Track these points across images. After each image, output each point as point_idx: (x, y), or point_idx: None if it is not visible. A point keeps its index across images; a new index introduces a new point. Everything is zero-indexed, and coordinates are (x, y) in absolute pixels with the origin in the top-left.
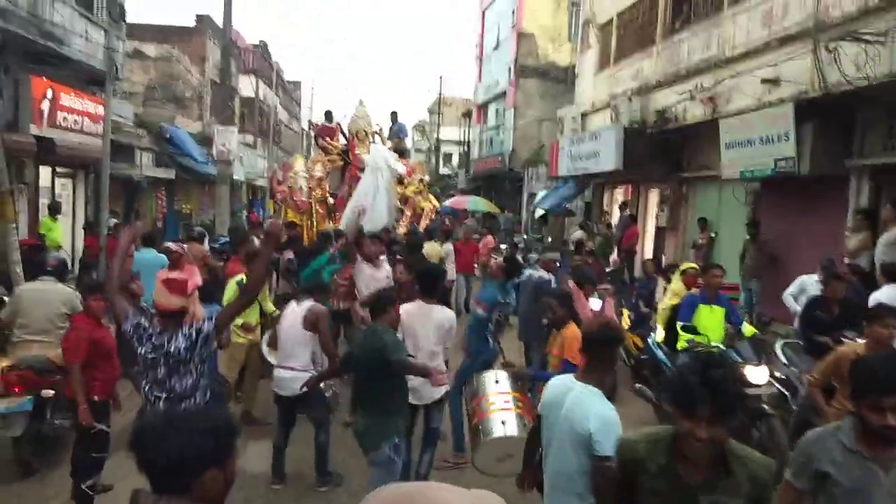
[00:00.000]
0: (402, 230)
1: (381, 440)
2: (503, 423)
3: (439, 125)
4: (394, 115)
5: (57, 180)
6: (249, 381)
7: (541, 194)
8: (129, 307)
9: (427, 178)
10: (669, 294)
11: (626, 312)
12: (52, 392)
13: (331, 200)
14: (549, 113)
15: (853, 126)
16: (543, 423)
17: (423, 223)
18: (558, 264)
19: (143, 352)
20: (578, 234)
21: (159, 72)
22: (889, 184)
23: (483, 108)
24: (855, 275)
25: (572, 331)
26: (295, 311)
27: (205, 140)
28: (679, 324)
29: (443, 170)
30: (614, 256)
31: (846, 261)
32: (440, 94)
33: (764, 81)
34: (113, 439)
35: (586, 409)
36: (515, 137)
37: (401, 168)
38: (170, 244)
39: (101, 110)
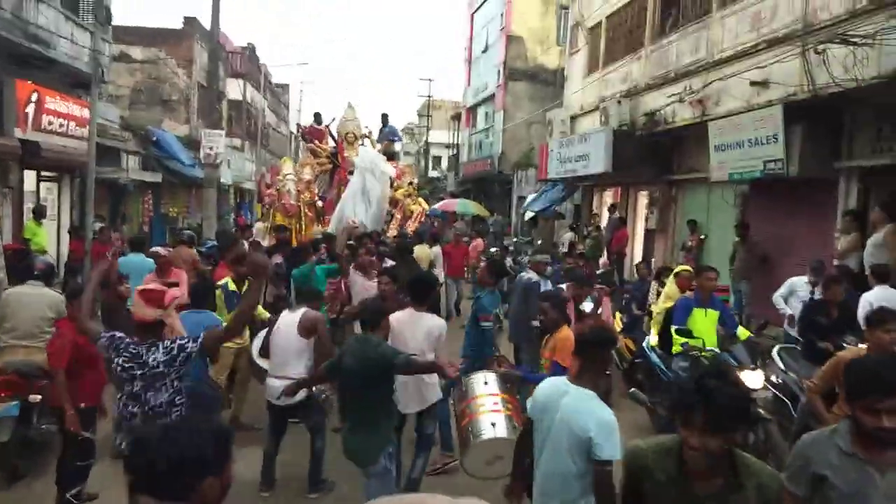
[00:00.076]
0: (392, 233)
1: (378, 454)
2: (493, 424)
3: (428, 128)
4: (384, 117)
5: (42, 184)
6: (239, 388)
7: (530, 197)
8: (100, 329)
9: (416, 180)
10: (663, 297)
11: (618, 315)
12: (39, 397)
13: (320, 203)
14: (538, 116)
15: (842, 128)
16: (535, 427)
17: (413, 226)
18: (549, 267)
19: (118, 362)
20: (569, 235)
21: (146, 75)
22: (877, 186)
23: (472, 110)
24: (844, 276)
25: (564, 333)
26: (288, 320)
27: (192, 143)
28: (673, 327)
29: (432, 173)
30: (604, 259)
31: (835, 262)
32: (429, 97)
33: (753, 84)
34: (98, 447)
35: (585, 412)
36: (504, 140)
37: (390, 170)
38: (158, 249)
39: (86, 113)
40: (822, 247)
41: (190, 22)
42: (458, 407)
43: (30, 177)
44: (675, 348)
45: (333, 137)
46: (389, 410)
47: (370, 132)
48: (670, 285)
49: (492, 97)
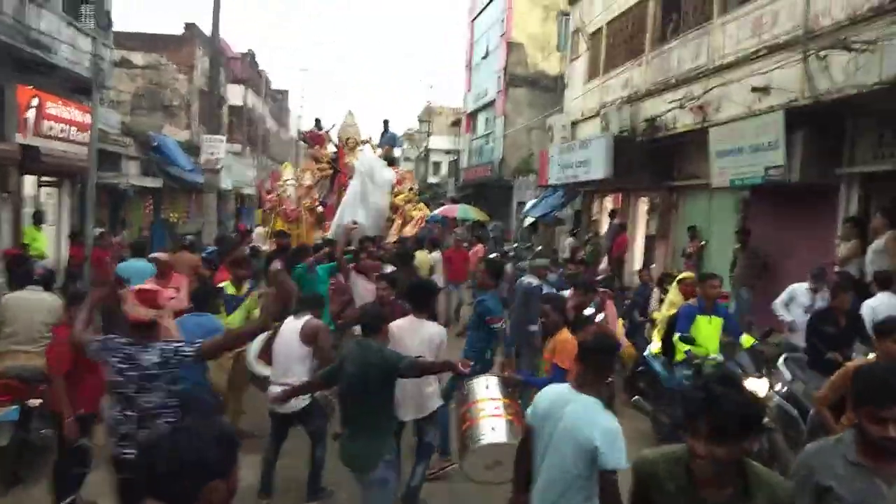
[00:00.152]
0: (392, 238)
1: (378, 460)
2: (493, 429)
3: (429, 134)
4: (386, 123)
5: (42, 189)
6: (234, 394)
7: (530, 203)
8: (93, 339)
9: (417, 186)
10: (667, 305)
11: (620, 321)
12: (38, 401)
13: (320, 209)
14: (538, 122)
15: (843, 134)
16: (536, 434)
17: (413, 231)
18: (549, 272)
19: (112, 363)
20: (570, 241)
21: (146, 80)
22: (879, 192)
23: (472, 116)
24: (847, 282)
25: (564, 335)
26: (291, 327)
27: (192, 148)
28: (677, 335)
29: (432, 178)
30: (604, 265)
31: (836, 269)
32: (429, 103)
33: (754, 90)
34: (94, 454)
35: (589, 421)
36: (505, 146)
37: (390, 175)
38: (158, 254)
39: (87, 119)
40: (823, 253)
41: (190, 27)
42: (458, 411)
43: (30, 182)
44: (679, 356)
45: (334, 143)
46: (390, 416)
47: (370, 138)
48: (673, 292)
49: (492, 103)
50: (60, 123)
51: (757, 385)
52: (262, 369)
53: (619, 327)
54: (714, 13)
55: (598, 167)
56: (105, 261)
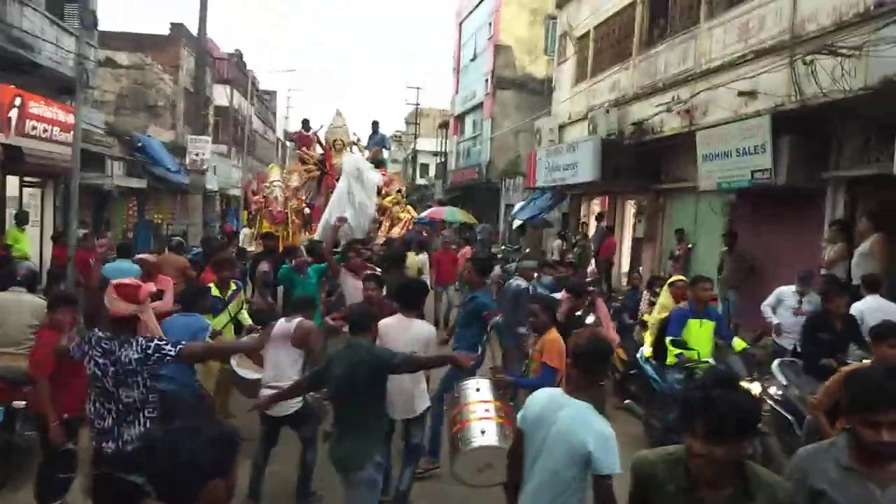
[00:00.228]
0: (380, 240)
1: (366, 460)
2: (483, 432)
3: (416, 136)
4: (375, 124)
5: (25, 190)
6: (221, 397)
7: (518, 205)
8: (73, 340)
9: (405, 188)
10: (658, 308)
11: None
12: (23, 403)
13: (307, 211)
14: (525, 124)
15: (829, 138)
16: (528, 439)
17: (400, 233)
18: (544, 274)
19: (92, 356)
20: (557, 244)
21: (131, 80)
22: (865, 196)
23: (460, 119)
24: (833, 285)
25: (553, 335)
26: (283, 329)
27: (177, 149)
28: (668, 338)
29: (419, 180)
30: (592, 267)
31: (823, 271)
32: (417, 105)
33: (741, 94)
34: (81, 458)
35: (583, 426)
36: (492, 148)
37: (376, 177)
38: (144, 255)
39: (71, 119)
40: (810, 256)
41: (177, 27)
42: (449, 413)
43: (13, 182)
44: (670, 359)
45: (321, 144)
46: (380, 415)
47: (358, 139)
48: (664, 296)
49: (480, 105)
50: (44, 123)
51: (749, 388)
52: (245, 372)
53: (611, 327)
54: (701, 18)
55: (585, 170)
56: (88, 262)
